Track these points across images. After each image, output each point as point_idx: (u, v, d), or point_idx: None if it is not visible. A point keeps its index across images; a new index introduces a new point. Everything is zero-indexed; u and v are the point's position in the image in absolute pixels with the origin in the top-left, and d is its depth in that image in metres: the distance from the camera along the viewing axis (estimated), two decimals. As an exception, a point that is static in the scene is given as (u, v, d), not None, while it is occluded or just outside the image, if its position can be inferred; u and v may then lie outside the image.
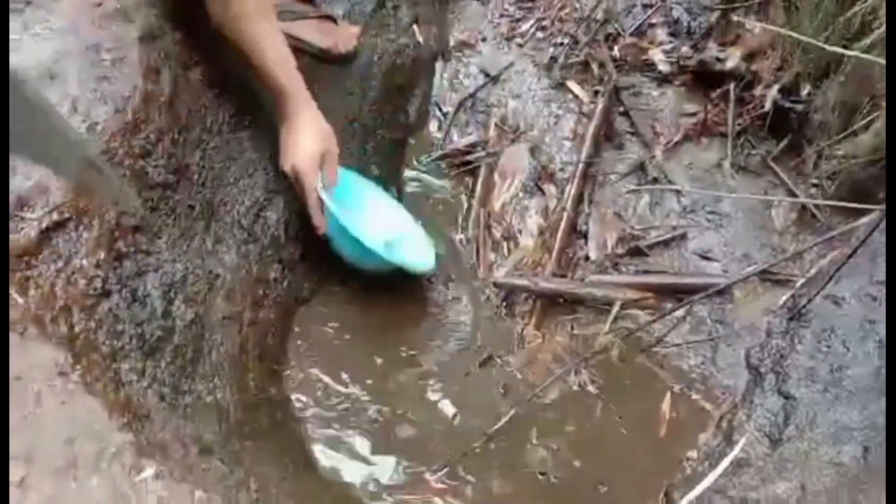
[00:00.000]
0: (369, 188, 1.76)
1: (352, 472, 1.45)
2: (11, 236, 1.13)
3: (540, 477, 1.49)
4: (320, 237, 1.58)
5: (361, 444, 1.49)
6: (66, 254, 1.20)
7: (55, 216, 1.20)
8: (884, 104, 1.66)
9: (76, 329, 1.14)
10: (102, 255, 1.24)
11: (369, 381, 1.58)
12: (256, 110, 1.62)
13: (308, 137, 1.50)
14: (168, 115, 1.42)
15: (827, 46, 1.40)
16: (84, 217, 1.24)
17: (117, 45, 1.39)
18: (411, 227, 1.75)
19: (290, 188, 1.58)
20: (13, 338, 1.05)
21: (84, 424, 1.00)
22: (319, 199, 1.51)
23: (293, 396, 1.52)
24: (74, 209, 1.23)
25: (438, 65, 2.13)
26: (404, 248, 1.69)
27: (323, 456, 1.46)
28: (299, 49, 1.68)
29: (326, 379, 1.56)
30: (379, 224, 1.67)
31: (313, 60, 1.79)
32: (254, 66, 1.46)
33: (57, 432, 0.98)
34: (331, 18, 1.88)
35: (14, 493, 0.90)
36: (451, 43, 2.16)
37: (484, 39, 2.17)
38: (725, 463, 1.42)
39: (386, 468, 1.47)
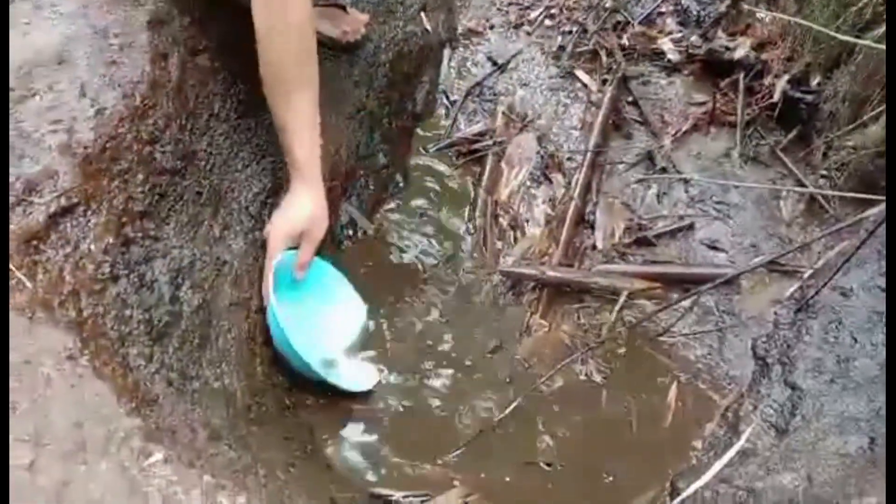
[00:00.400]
0: (339, 289, 1.61)
1: (357, 459, 1.46)
2: (20, 221, 1.13)
3: (546, 467, 1.49)
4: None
5: (367, 431, 1.49)
6: (75, 238, 1.20)
7: (63, 201, 1.20)
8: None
9: (84, 314, 1.15)
10: (110, 240, 1.24)
11: (375, 369, 1.58)
12: (264, 98, 1.61)
13: (297, 212, 1.44)
14: (176, 101, 1.42)
15: (839, 35, 1.39)
16: (92, 202, 1.24)
17: (126, 29, 1.39)
18: (355, 351, 1.60)
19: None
20: (22, 322, 1.05)
21: (93, 408, 1.00)
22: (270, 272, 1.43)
23: (300, 382, 1.51)
24: (83, 194, 1.23)
25: (446, 52, 2.12)
26: (343, 368, 1.55)
27: (329, 442, 1.47)
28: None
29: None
30: (327, 335, 1.56)
31: (321, 48, 1.78)
32: (279, 124, 1.43)
33: (66, 416, 0.98)
34: (339, 6, 1.87)
35: (23, 476, 0.90)
36: (459, 30, 2.16)
37: (492, 27, 2.16)
38: (731, 453, 1.41)
39: (391, 455, 1.47)
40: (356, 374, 1.54)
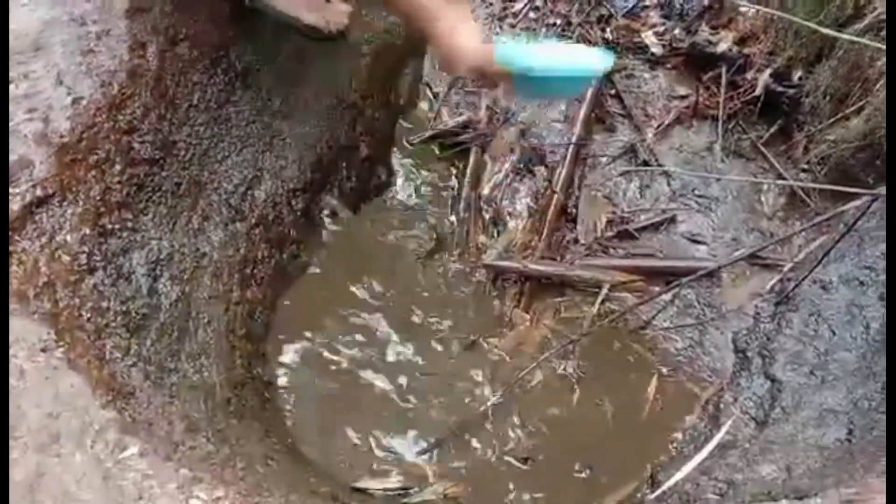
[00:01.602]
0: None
1: (337, 452, 1.45)
2: (-6, 210, 1.11)
3: (523, 463, 1.49)
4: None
5: (347, 425, 1.48)
6: (51, 229, 1.18)
7: (39, 191, 1.18)
8: (874, 89, 1.66)
9: (60, 305, 1.13)
10: (87, 231, 1.23)
11: (356, 363, 1.57)
12: (245, 88, 1.60)
13: (467, 35, 1.40)
14: (155, 91, 1.40)
15: (821, 28, 1.40)
16: (69, 192, 1.22)
17: (104, 17, 1.37)
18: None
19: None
20: (-5, 313, 1.03)
21: (67, 400, 0.99)
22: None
23: (280, 375, 1.51)
24: (59, 184, 1.21)
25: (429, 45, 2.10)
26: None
27: (309, 435, 1.46)
28: (290, 26, 1.65)
29: (313, 359, 1.55)
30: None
31: (303, 38, 1.77)
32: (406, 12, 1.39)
33: (39, 408, 0.97)
34: (322, -5, 1.85)
35: (-4, 469, 0.89)
36: (443, 22, 2.14)
37: (476, 19, 2.15)
38: (711, 445, 1.42)
39: (370, 449, 1.47)
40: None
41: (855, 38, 1.54)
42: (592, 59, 1.47)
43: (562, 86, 1.51)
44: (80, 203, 1.23)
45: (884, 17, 1.66)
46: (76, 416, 0.98)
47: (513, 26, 2.13)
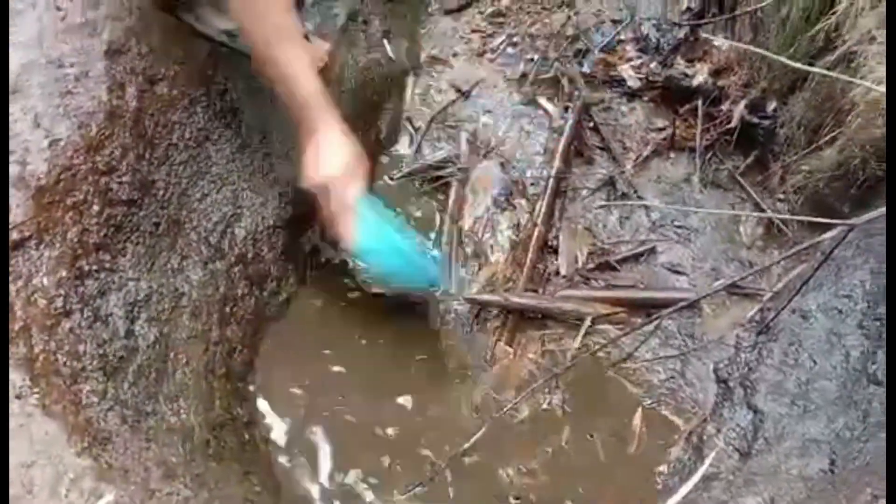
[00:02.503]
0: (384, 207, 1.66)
1: (319, 494, 1.44)
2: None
3: (513, 501, 1.48)
4: (343, 255, 1.54)
5: (328, 465, 1.47)
6: (27, 272, 1.17)
7: (15, 234, 1.18)
8: (846, 120, 1.69)
9: (35, 350, 1.12)
10: (64, 273, 1.22)
11: (338, 401, 1.56)
12: (225, 126, 1.60)
13: (341, 150, 1.45)
14: (134, 131, 1.40)
15: (791, 63, 1.42)
16: (45, 235, 1.22)
17: (82, 59, 1.37)
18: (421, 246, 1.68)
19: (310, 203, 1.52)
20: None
21: (42, 448, 0.98)
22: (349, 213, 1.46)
23: (260, 416, 1.49)
24: (35, 227, 1.21)
25: (410, 80, 2.12)
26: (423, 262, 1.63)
27: (290, 476, 1.44)
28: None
29: (294, 398, 1.54)
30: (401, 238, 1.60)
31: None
32: (275, 76, 1.42)
33: (14, 456, 0.96)
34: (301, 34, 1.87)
35: (-32, 521, 0.87)
36: (423, 58, 2.17)
37: (455, 55, 2.18)
38: (696, 478, 1.42)
39: (354, 489, 1.45)
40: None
41: (824, 72, 1.57)
42: (434, 270, 1.55)
43: (397, 273, 1.54)
44: (58, 245, 1.23)
45: (854, 49, 1.69)
46: (51, 464, 0.96)
47: (491, 61, 2.16)
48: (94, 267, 1.27)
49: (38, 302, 1.16)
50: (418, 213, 1.93)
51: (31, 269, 1.18)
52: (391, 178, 1.98)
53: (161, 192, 1.44)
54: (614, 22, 2.18)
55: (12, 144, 1.23)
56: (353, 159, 1.48)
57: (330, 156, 1.45)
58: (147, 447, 1.16)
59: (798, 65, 1.47)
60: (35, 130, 1.27)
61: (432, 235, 1.87)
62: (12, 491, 0.92)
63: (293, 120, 1.47)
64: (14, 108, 1.27)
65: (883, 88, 1.41)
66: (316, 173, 1.46)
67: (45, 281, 1.19)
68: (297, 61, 1.40)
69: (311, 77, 1.43)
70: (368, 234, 1.49)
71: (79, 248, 1.25)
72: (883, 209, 1.30)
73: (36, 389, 1.04)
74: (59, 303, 1.19)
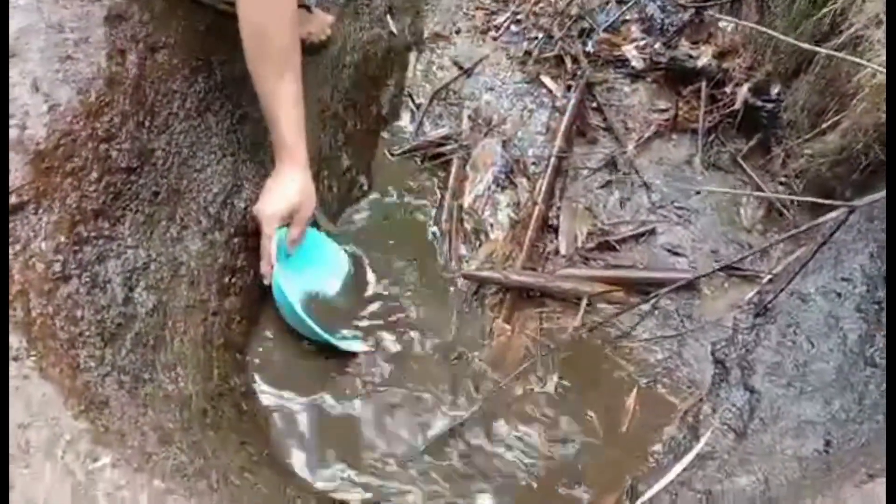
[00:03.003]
0: (324, 248, 1.68)
1: (315, 464, 1.44)
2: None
3: (507, 473, 1.49)
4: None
5: (325, 436, 1.47)
6: (25, 237, 1.16)
7: (14, 198, 1.16)
8: (851, 104, 1.68)
9: (33, 313, 1.11)
10: (62, 239, 1.21)
11: (335, 374, 1.56)
12: (226, 97, 1.59)
13: (287, 191, 1.47)
14: (133, 98, 1.39)
15: (798, 43, 1.41)
16: (44, 200, 1.21)
17: (82, 24, 1.35)
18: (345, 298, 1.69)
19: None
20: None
21: (38, 410, 0.97)
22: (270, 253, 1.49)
23: (258, 386, 1.49)
24: (34, 192, 1.19)
25: (412, 56, 2.11)
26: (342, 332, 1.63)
27: (286, 446, 1.44)
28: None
29: (292, 369, 1.54)
30: (322, 290, 1.64)
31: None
32: (266, 103, 1.43)
33: (10, 417, 0.95)
34: (304, 6, 1.85)
35: (-37, 480, 0.87)
36: (426, 34, 2.15)
37: (458, 31, 2.16)
38: (691, 456, 1.42)
39: (350, 461, 1.46)
40: (351, 340, 1.61)
41: (834, 53, 1.56)
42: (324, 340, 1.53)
43: (300, 325, 1.52)
44: (56, 211, 1.22)
45: (860, 33, 1.68)
46: (47, 426, 0.96)
47: (495, 39, 2.14)
48: (93, 233, 1.26)
49: (36, 266, 1.15)
50: (419, 190, 1.92)
51: (30, 233, 1.17)
52: (392, 154, 1.97)
53: (161, 161, 1.43)
54: (619, 2, 2.17)
55: (11, 108, 1.22)
56: (293, 204, 1.47)
57: (274, 193, 1.48)
58: (144, 413, 1.16)
59: (805, 45, 1.46)
60: (34, 95, 1.25)
61: (431, 211, 1.87)
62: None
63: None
64: (13, 72, 1.25)
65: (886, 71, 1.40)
66: (258, 203, 1.49)
67: (43, 246, 1.18)
68: (286, 97, 1.41)
69: (294, 115, 1.44)
70: (276, 289, 1.50)
71: (77, 214, 1.24)
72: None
73: (33, 352, 1.04)
74: (57, 268, 1.18)
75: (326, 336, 1.51)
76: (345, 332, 1.62)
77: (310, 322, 1.48)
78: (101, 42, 1.36)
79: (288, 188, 1.47)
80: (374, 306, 1.69)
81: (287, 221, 1.49)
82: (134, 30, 1.42)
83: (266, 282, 1.52)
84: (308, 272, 1.62)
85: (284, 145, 1.45)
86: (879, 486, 1.01)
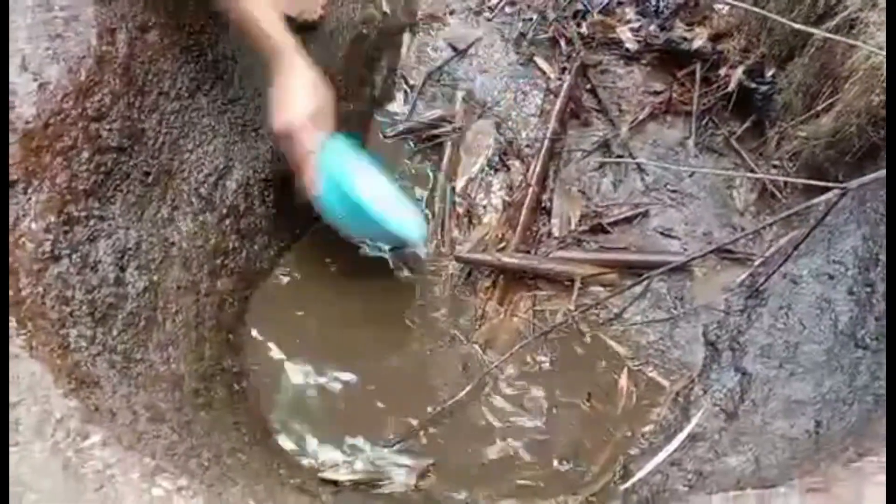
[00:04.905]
0: (358, 155, 1.61)
1: (308, 445, 1.44)
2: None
3: (498, 453, 1.49)
4: (310, 199, 1.48)
5: (318, 417, 1.48)
6: (13, 216, 1.16)
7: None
8: (845, 87, 1.67)
9: (23, 293, 1.11)
10: (52, 218, 1.21)
11: (328, 355, 1.56)
12: (217, 77, 1.58)
13: (304, 93, 1.40)
14: (124, 78, 1.38)
15: (793, 24, 1.41)
16: (34, 179, 1.20)
17: (71, 2, 1.34)
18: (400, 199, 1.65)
19: (277, 148, 1.47)
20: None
21: (27, 389, 0.97)
22: (314, 160, 1.42)
23: (250, 367, 1.49)
24: (23, 171, 1.19)
25: (405, 36, 2.10)
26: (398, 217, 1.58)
27: (279, 427, 1.45)
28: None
29: (285, 351, 1.54)
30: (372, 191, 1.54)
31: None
32: (242, 19, 1.38)
33: None
34: (296, -15, 1.84)
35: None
36: (419, 15, 2.13)
37: (452, 12, 2.15)
38: (682, 436, 1.43)
39: (343, 442, 1.46)
40: (408, 224, 1.56)
41: (829, 35, 1.55)
42: (412, 225, 1.49)
43: (367, 228, 1.46)
44: (46, 190, 1.21)
45: (855, 15, 1.67)
46: (36, 404, 0.96)
47: (489, 20, 2.13)
48: (84, 213, 1.26)
49: (25, 245, 1.15)
50: (412, 172, 1.91)
51: (19, 212, 1.16)
52: (385, 136, 1.96)
53: (151, 142, 1.42)
54: (614, -17, 2.15)
55: (-2, 85, 1.21)
56: (321, 103, 1.42)
57: (295, 99, 1.40)
58: (135, 392, 1.16)
59: (800, 26, 1.45)
60: (22, 73, 1.24)
61: (424, 194, 1.86)
62: (-2, 430, 0.92)
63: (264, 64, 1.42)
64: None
65: (884, 53, 1.40)
66: (279, 118, 1.42)
67: (32, 225, 1.17)
68: (265, 14, 1.37)
69: (280, 27, 1.39)
70: (331, 188, 1.43)
71: (67, 193, 1.24)
72: (879, 173, 1.30)
73: (22, 331, 1.03)
74: (47, 247, 1.17)
75: (392, 222, 1.43)
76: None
77: (372, 207, 1.39)
78: (90, 21, 1.34)
79: (304, 90, 1.39)
80: (365, 288, 1.69)
81: (311, 127, 1.40)
82: (124, 9, 1.41)
83: (314, 192, 1.43)
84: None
85: (279, 47, 1.38)
86: (868, 465, 1.02)
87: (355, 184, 1.45)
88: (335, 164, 1.45)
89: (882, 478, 0.94)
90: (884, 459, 0.99)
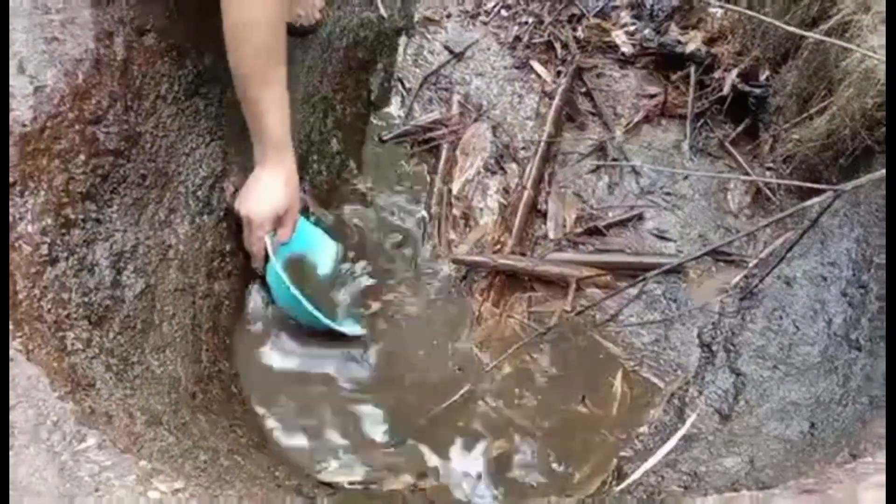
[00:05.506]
0: (311, 235, 1.67)
1: (304, 447, 1.44)
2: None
3: (494, 455, 1.50)
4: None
5: (314, 420, 1.48)
6: (11, 219, 1.16)
7: (-1, 180, 1.16)
8: (838, 89, 1.69)
9: (20, 296, 1.11)
10: (49, 221, 1.21)
11: (324, 357, 1.56)
12: (213, 80, 1.58)
13: (277, 190, 1.45)
14: (121, 81, 1.38)
15: (787, 27, 1.42)
16: (30, 182, 1.20)
17: (68, 5, 1.34)
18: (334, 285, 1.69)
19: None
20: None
21: (23, 391, 0.97)
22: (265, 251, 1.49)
23: (247, 369, 1.50)
24: (20, 174, 1.19)
25: (402, 40, 2.11)
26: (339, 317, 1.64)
27: (276, 430, 1.45)
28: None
29: (281, 353, 1.54)
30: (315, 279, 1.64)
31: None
32: (252, 98, 1.41)
33: (-3, 399, 0.95)
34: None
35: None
36: (416, 18, 2.15)
37: (449, 16, 2.16)
38: (676, 438, 1.43)
39: (339, 444, 1.46)
40: (348, 322, 1.61)
41: (822, 38, 1.56)
42: (348, 323, 1.57)
43: (308, 319, 1.51)
44: (43, 193, 1.21)
45: (849, 18, 1.68)
46: (32, 407, 0.96)
47: (485, 24, 2.14)
48: (81, 216, 1.26)
49: (22, 248, 1.15)
50: (409, 175, 1.92)
51: (15, 215, 1.16)
52: (382, 140, 1.97)
53: (149, 145, 1.42)
54: (609, -13, 2.17)
55: (-5, 89, 1.21)
56: (287, 203, 1.47)
57: (264, 195, 1.46)
58: (132, 395, 1.16)
59: (794, 29, 1.46)
60: (19, 76, 1.24)
61: (422, 197, 1.87)
62: (-5, 432, 0.92)
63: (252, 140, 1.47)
64: (-2, 53, 1.25)
65: (883, 55, 1.41)
66: (244, 206, 1.48)
67: (29, 228, 1.17)
68: (272, 100, 1.40)
69: (281, 115, 1.42)
70: (277, 281, 1.49)
71: (64, 196, 1.24)
72: (872, 175, 1.31)
73: (19, 334, 1.04)
74: (44, 250, 1.17)
75: (325, 320, 1.50)
76: (340, 316, 1.62)
77: (308, 306, 1.46)
78: (88, 24, 1.35)
79: (277, 190, 1.45)
80: (363, 291, 1.69)
81: (277, 224, 1.48)
82: (121, 12, 1.41)
83: (259, 271, 1.53)
84: (296, 259, 1.61)
85: (271, 142, 1.43)
86: (862, 466, 1.03)
87: (296, 283, 1.49)
88: (281, 263, 1.51)
89: (877, 478, 0.95)
90: (879, 460, 1.00)
